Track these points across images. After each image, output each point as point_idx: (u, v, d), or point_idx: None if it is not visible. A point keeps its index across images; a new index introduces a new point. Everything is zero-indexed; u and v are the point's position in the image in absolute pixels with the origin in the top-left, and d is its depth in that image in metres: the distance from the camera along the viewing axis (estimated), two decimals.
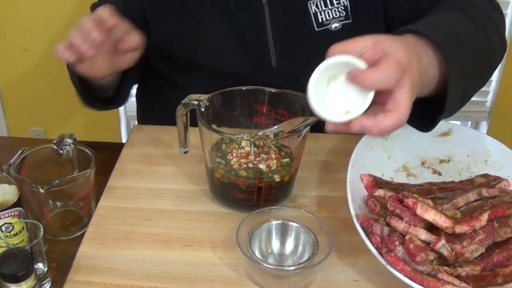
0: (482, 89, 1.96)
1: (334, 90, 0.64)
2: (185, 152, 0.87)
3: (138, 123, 1.24)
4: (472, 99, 1.97)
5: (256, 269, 0.67)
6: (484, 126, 2.16)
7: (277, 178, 0.78)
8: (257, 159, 0.78)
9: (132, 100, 1.18)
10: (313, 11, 1.01)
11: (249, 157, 0.78)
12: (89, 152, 0.83)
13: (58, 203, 0.82)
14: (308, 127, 0.77)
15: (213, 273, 0.69)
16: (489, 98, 2.12)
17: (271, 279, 0.67)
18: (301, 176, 0.86)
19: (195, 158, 0.90)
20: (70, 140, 0.84)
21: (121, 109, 2.13)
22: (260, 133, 0.83)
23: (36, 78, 2.07)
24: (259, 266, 0.65)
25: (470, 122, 2.17)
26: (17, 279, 0.61)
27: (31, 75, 2.08)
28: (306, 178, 0.89)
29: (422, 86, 0.70)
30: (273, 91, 0.84)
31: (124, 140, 1.32)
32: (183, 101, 0.79)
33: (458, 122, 0.89)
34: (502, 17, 0.97)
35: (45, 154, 0.84)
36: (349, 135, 0.82)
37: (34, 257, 0.69)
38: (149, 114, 1.20)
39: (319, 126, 0.72)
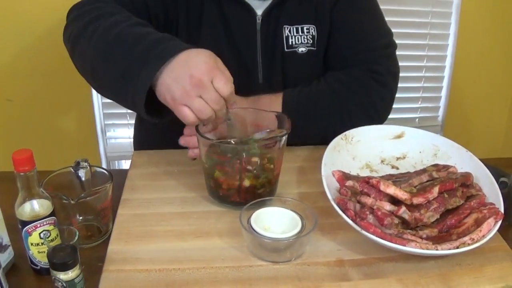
0: (433, 105, 2.20)
1: None
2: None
3: (134, 148, 1.42)
4: (425, 114, 2.23)
5: (257, 245, 0.83)
6: None
7: (263, 179, 0.95)
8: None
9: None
10: (286, 34, 1.22)
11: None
12: (105, 171, 0.98)
13: (81, 217, 0.95)
14: (285, 137, 0.95)
15: (223, 254, 0.84)
16: (440, 113, 2.35)
17: (270, 252, 0.82)
18: (282, 179, 1.03)
19: (192, 172, 1.07)
20: (85, 163, 0.98)
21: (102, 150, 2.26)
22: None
23: (19, 128, 2.17)
24: (260, 240, 0.81)
25: None
26: (65, 268, 0.75)
27: (14, 126, 2.18)
28: (287, 181, 1.05)
29: None
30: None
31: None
32: None
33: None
34: (383, 94, 1.25)
35: (65, 176, 0.98)
36: (317, 147, 1.13)
37: None
38: (147, 138, 1.36)
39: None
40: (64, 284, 0.75)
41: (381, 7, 1.32)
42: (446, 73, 2.27)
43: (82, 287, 0.78)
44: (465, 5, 2.14)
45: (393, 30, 1.32)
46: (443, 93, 2.31)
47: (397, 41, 1.31)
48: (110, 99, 1.05)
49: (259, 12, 1.20)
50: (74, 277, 0.76)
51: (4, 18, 1.97)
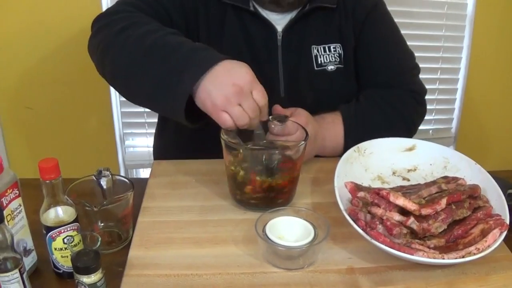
0: (447, 116, 2.23)
1: None
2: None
3: (154, 157, 1.48)
4: (438, 126, 2.27)
5: (271, 253, 0.86)
6: None
7: (281, 179, 1.00)
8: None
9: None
10: (315, 54, 1.28)
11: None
12: (127, 180, 1.02)
13: (103, 224, 1.00)
14: (305, 142, 1.01)
15: (238, 261, 0.88)
16: (454, 124, 2.37)
17: (284, 259, 0.86)
18: (297, 189, 1.07)
19: (209, 182, 1.12)
20: (107, 172, 1.03)
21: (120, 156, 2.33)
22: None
23: (39, 136, 2.23)
24: (275, 248, 0.85)
25: None
26: (88, 272, 0.79)
27: (33, 133, 2.24)
28: (301, 191, 1.09)
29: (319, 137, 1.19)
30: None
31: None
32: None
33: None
34: (419, 111, 1.41)
35: (87, 184, 1.02)
36: (330, 158, 1.19)
37: None
38: (167, 148, 1.41)
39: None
40: (87, 287, 0.79)
41: (395, 20, 1.41)
42: (460, 85, 2.30)
43: None
44: (479, 18, 2.17)
45: (409, 43, 1.40)
46: (457, 105, 2.33)
47: None
48: (143, 106, 1.11)
49: (279, 28, 1.26)
50: (97, 281, 0.80)
51: (24, 28, 2.05)
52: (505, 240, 0.88)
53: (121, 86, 1.11)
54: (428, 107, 2.27)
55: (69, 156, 1.97)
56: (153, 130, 1.57)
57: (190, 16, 1.23)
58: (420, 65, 2.17)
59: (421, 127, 2.30)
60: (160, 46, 1.02)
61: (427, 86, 2.24)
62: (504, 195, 1.08)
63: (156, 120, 1.53)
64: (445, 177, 1.08)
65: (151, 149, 1.57)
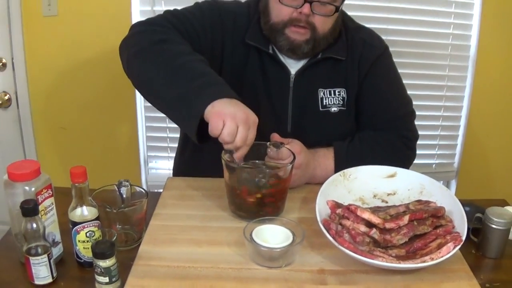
0: (449, 152, 2.37)
1: None
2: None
3: (173, 175, 1.69)
4: (441, 161, 2.44)
5: (256, 253, 1.03)
6: (453, 184, 2.53)
7: (271, 195, 1.17)
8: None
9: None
10: (321, 96, 1.47)
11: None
12: (143, 190, 1.21)
13: (120, 226, 1.18)
14: (292, 164, 1.18)
15: (228, 259, 1.05)
16: (456, 159, 2.51)
17: (266, 259, 1.03)
18: (287, 206, 1.25)
19: (212, 196, 1.31)
20: (127, 183, 1.22)
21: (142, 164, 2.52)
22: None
23: (70, 154, 2.44)
24: (259, 248, 1.02)
25: (441, 182, 2.54)
26: (104, 257, 0.97)
27: (65, 151, 2.44)
28: (291, 207, 1.27)
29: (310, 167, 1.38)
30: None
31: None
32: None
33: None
34: (408, 155, 1.56)
35: (110, 192, 1.21)
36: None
37: None
38: (183, 170, 1.61)
39: None
40: (102, 270, 0.98)
41: (400, 60, 1.56)
42: (462, 122, 2.45)
43: (116, 274, 1.00)
44: (481, 57, 2.32)
45: (412, 82, 1.54)
46: (459, 141, 2.47)
47: (416, 92, 1.53)
48: (160, 110, 1.27)
49: (293, 71, 1.46)
50: (111, 265, 0.98)
51: (60, 57, 2.29)
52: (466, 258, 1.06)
53: (144, 89, 1.31)
54: (431, 142, 2.47)
55: (96, 174, 2.17)
56: (174, 155, 1.76)
57: (217, 48, 1.43)
58: (424, 103, 2.36)
59: (424, 161, 2.50)
60: (188, 68, 1.22)
61: (431, 123, 2.43)
62: (472, 218, 1.24)
63: (177, 145, 1.73)
64: (418, 201, 1.23)
65: (172, 172, 1.76)
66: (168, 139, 2.45)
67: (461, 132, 2.46)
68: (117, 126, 2.45)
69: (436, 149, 2.49)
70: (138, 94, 2.35)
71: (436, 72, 2.36)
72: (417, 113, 1.58)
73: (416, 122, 1.54)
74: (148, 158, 2.52)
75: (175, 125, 1.99)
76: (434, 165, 2.51)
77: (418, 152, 2.39)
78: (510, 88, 2.39)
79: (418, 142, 2.33)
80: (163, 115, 1.29)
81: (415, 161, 2.43)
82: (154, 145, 2.48)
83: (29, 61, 2.29)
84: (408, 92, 1.61)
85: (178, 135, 1.73)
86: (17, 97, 2.34)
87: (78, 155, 2.43)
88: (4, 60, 2.28)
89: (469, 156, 2.49)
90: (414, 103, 1.59)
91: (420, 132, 1.51)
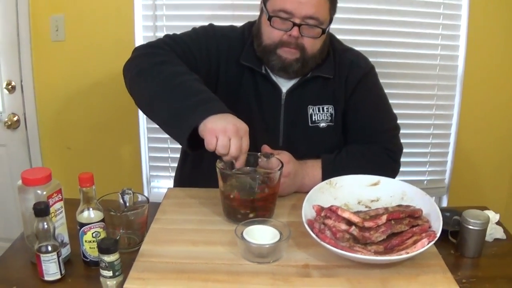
0: (440, 168, 2.47)
1: None
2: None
3: (174, 182, 1.81)
4: (432, 177, 2.56)
5: (247, 250, 1.13)
6: (445, 200, 2.63)
7: (261, 200, 1.28)
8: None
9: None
10: (310, 112, 1.59)
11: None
12: (145, 197, 1.31)
13: (123, 231, 1.28)
14: (280, 171, 1.29)
15: (222, 256, 1.15)
16: (446, 175, 2.61)
17: (255, 256, 1.12)
18: (277, 211, 1.35)
19: (207, 203, 1.40)
20: (130, 191, 1.32)
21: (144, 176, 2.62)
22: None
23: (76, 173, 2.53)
24: (249, 245, 1.11)
25: (433, 197, 2.63)
26: (108, 252, 1.08)
27: (70, 171, 2.55)
28: (281, 212, 1.36)
29: (299, 176, 1.48)
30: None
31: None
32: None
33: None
34: (392, 167, 1.64)
35: (115, 203, 1.30)
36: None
37: None
38: (185, 179, 1.72)
39: None
40: (107, 264, 1.08)
41: (391, 81, 1.66)
42: (452, 139, 2.55)
43: (119, 268, 1.10)
44: (468, 77, 2.44)
45: (402, 102, 1.65)
46: (449, 158, 2.58)
47: (407, 111, 1.63)
48: (157, 124, 1.38)
49: (284, 90, 1.58)
50: (114, 260, 1.08)
51: (63, 80, 2.42)
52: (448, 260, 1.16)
53: (144, 106, 1.43)
54: (422, 159, 2.57)
55: (100, 193, 2.27)
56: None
57: (213, 68, 1.56)
58: (415, 121, 2.47)
59: (416, 178, 2.60)
60: (184, 87, 1.33)
61: (421, 141, 2.54)
62: (451, 220, 1.34)
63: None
64: (399, 205, 1.32)
65: (173, 185, 1.86)
66: (169, 159, 2.56)
67: (451, 149, 2.56)
68: (121, 147, 2.57)
69: (427, 166, 2.59)
70: (141, 115, 2.47)
71: (425, 92, 2.48)
72: (408, 131, 1.69)
73: (407, 140, 1.64)
74: (150, 177, 2.63)
75: (177, 146, 2.11)
76: (425, 182, 2.60)
77: (409, 169, 2.54)
78: (497, 106, 2.50)
79: (409, 159, 2.48)
80: (165, 136, 1.42)
81: (407, 178, 2.56)
82: (156, 165, 2.59)
83: (37, 84, 2.42)
84: (399, 111, 1.72)
85: (179, 155, 1.84)
86: (26, 119, 2.47)
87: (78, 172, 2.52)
88: (13, 83, 2.41)
89: (459, 172, 2.58)
90: (405, 122, 1.70)
91: (411, 150, 1.62)
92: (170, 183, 2.54)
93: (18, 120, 2.46)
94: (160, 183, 2.64)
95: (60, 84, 2.43)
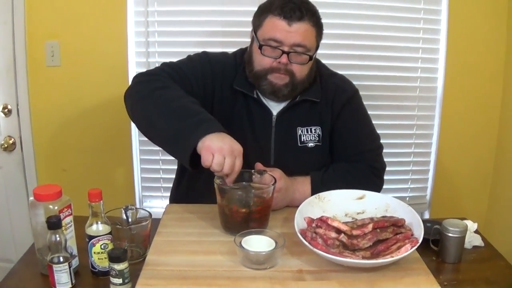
0: (422, 185, 2.57)
1: None
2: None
3: (170, 200, 1.88)
4: (414, 194, 2.68)
5: (245, 258, 1.22)
6: (426, 215, 2.75)
7: (256, 212, 1.37)
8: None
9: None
10: (299, 134, 1.70)
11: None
12: (147, 212, 1.40)
13: (128, 244, 1.36)
14: (274, 186, 1.38)
15: (222, 264, 1.24)
16: (428, 192, 2.73)
17: (253, 263, 1.22)
18: (271, 224, 1.44)
19: (206, 218, 1.49)
20: (132, 207, 1.41)
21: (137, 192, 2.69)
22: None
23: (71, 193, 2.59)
24: (247, 253, 1.21)
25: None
26: (118, 260, 1.16)
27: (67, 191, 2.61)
28: (274, 224, 1.46)
29: (290, 191, 1.58)
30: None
31: None
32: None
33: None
34: (376, 183, 1.74)
35: (116, 218, 1.38)
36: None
37: None
38: (182, 196, 1.81)
39: None
40: (117, 272, 1.16)
41: (373, 103, 1.80)
42: (432, 158, 2.67)
43: (128, 276, 1.18)
44: (447, 97, 2.57)
45: (385, 122, 1.79)
46: (430, 175, 2.70)
47: (389, 131, 1.73)
48: (158, 145, 1.49)
49: (275, 112, 1.69)
50: (124, 268, 1.17)
51: (58, 104, 2.50)
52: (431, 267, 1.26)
53: (145, 128, 1.52)
54: (403, 177, 2.69)
55: None
56: (167, 194, 1.96)
57: (208, 92, 1.66)
58: (397, 141, 2.60)
59: (398, 194, 2.71)
60: (183, 109, 1.44)
61: (403, 159, 2.66)
62: (431, 230, 1.44)
63: (170, 185, 1.93)
64: (383, 216, 1.42)
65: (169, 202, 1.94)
66: (161, 180, 2.64)
67: (431, 166, 2.68)
68: (115, 168, 2.64)
69: (409, 183, 2.70)
70: (134, 138, 2.56)
71: (406, 113, 2.61)
72: (390, 150, 1.80)
73: (390, 159, 1.73)
74: (143, 197, 2.70)
75: (169, 167, 2.22)
76: (407, 198, 2.71)
77: (392, 186, 2.66)
78: (474, 125, 2.63)
79: (392, 177, 2.60)
80: (157, 157, 1.50)
81: (390, 195, 2.66)
82: (149, 185, 2.67)
83: (33, 108, 2.50)
84: (381, 131, 1.84)
85: (171, 176, 1.93)
86: (21, 141, 2.54)
87: (78, 195, 2.58)
88: (9, 107, 2.49)
89: (440, 188, 2.70)
90: (387, 141, 1.81)
91: (393, 168, 1.73)
92: (162, 203, 2.64)
93: (14, 143, 2.53)
94: (152, 203, 2.71)
95: (56, 107, 2.50)
